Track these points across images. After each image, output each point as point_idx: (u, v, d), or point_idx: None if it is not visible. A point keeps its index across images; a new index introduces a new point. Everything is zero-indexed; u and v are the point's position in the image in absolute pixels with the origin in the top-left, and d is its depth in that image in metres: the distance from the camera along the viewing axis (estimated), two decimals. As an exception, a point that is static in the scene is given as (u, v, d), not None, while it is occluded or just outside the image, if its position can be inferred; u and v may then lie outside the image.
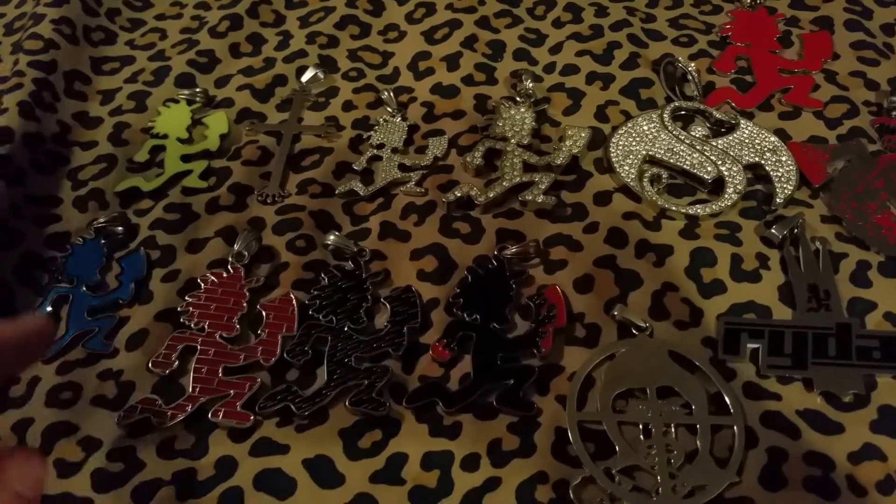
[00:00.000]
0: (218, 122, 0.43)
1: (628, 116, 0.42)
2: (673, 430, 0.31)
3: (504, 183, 0.39)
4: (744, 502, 0.29)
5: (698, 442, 0.30)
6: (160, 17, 0.51)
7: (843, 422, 0.31)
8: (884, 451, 0.30)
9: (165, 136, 0.43)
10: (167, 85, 0.46)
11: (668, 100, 0.43)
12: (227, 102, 0.45)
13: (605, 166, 0.40)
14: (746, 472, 0.30)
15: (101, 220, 0.39)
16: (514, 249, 0.37)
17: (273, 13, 0.50)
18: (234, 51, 0.48)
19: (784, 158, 0.40)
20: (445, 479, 0.30)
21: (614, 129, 0.42)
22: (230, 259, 0.37)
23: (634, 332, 0.34)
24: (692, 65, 0.43)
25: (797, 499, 0.29)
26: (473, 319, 0.35)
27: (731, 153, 0.40)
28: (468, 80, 0.45)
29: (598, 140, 0.42)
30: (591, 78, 0.45)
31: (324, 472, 0.31)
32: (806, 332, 0.34)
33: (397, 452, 0.31)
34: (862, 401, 0.32)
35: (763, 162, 0.40)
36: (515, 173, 0.40)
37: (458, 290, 0.36)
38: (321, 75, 0.46)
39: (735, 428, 0.31)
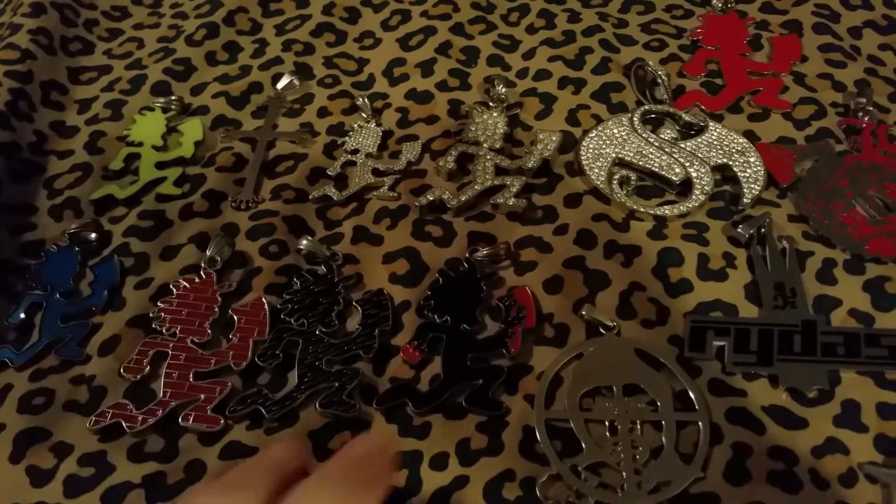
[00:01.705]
0: (193, 130, 0.43)
1: (599, 120, 0.43)
2: (639, 426, 0.31)
3: (476, 186, 0.40)
4: (708, 497, 0.30)
5: (663, 438, 0.31)
6: (138, 26, 0.51)
7: (808, 417, 0.32)
8: (846, 445, 0.31)
9: (140, 144, 0.43)
10: (143, 93, 0.46)
11: (639, 103, 0.44)
12: (203, 110, 0.45)
13: (576, 169, 0.41)
14: (711, 468, 0.30)
15: (74, 226, 0.39)
16: (484, 252, 0.37)
17: (250, 21, 0.50)
18: (211, 59, 0.48)
19: (752, 159, 0.40)
20: (414, 478, 0.31)
21: (585, 132, 0.42)
22: (203, 265, 0.37)
23: (602, 331, 0.34)
24: (661, 69, 0.44)
25: (760, 493, 0.30)
26: (444, 321, 0.35)
27: (700, 155, 0.40)
28: (442, 86, 0.46)
29: (569, 143, 0.42)
30: (563, 83, 0.45)
31: (292, 474, 0.31)
32: (772, 330, 0.34)
33: (366, 453, 0.31)
34: (826, 396, 0.32)
35: (731, 163, 0.40)
36: (487, 177, 0.40)
37: (430, 293, 0.36)
38: (296, 82, 0.46)
39: (700, 424, 0.31)
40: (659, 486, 0.30)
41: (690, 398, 0.32)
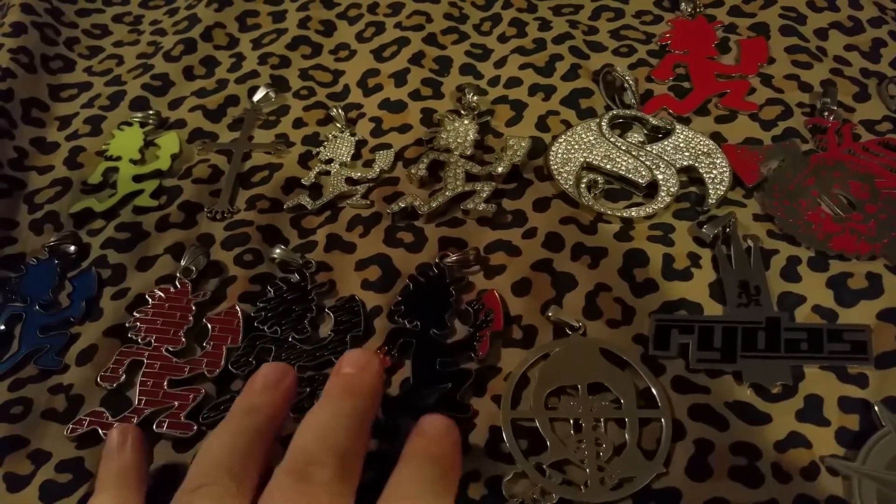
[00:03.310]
0: (170, 143, 0.44)
1: (569, 126, 0.44)
2: (602, 424, 0.32)
3: (447, 193, 0.41)
4: (670, 492, 0.30)
5: (626, 435, 0.31)
6: (118, 43, 0.52)
7: (771, 412, 0.32)
8: (809, 439, 0.31)
9: (118, 158, 0.44)
10: (122, 109, 0.47)
11: (608, 108, 0.45)
12: (180, 123, 0.46)
13: (546, 174, 0.42)
14: (673, 464, 0.31)
15: (53, 239, 0.40)
16: (454, 257, 0.38)
17: (227, 36, 0.51)
18: (188, 73, 0.49)
19: (718, 161, 0.41)
20: (381, 480, 0.31)
21: (554, 138, 0.43)
22: (178, 274, 0.38)
23: (568, 331, 0.35)
24: (629, 74, 0.45)
25: (722, 488, 0.30)
26: (414, 326, 0.36)
27: (666, 157, 0.41)
28: (415, 95, 0.46)
29: (539, 149, 0.43)
30: (534, 90, 0.46)
31: (262, 477, 0.31)
32: (736, 327, 0.35)
33: (336, 456, 0.32)
34: (789, 391, 0.33)
35: (697, 165, 0.41)
36: (458, 183, 0.41)
37: (400, 298, 0.37)
38: (272, 95, 0.47)
39: (662, 420, 0.32)
40: (622, 482, 0.30)
41: (654, 395, 0.32)
